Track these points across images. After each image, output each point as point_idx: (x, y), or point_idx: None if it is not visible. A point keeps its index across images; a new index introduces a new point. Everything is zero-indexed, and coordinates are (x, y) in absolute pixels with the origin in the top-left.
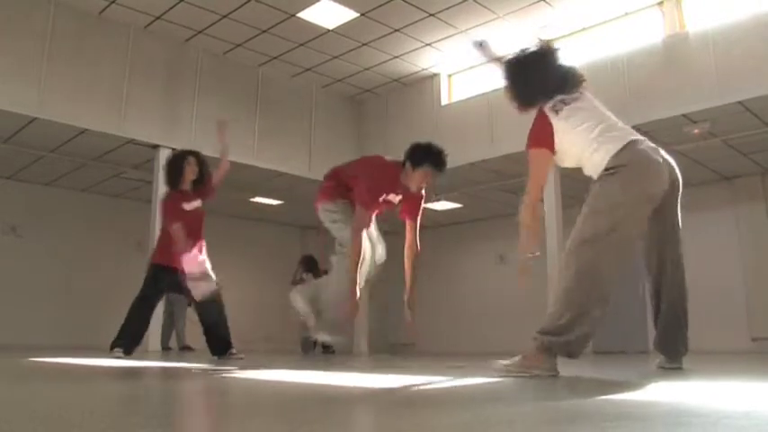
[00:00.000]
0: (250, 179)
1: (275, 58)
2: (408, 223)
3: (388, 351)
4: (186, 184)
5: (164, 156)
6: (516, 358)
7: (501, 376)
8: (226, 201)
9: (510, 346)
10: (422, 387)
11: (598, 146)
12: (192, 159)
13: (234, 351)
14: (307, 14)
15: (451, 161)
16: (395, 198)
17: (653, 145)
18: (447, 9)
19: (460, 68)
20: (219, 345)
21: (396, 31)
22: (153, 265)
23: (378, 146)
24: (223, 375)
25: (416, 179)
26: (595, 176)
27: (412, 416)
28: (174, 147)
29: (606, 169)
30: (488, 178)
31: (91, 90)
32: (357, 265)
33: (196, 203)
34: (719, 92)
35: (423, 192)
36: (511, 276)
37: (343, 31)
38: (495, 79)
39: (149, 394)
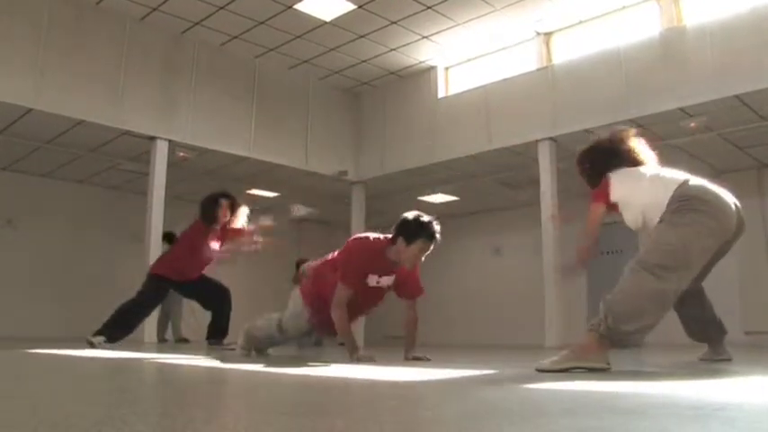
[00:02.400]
0: (246, 171)
1: (272, 49)
2: (408, 303)
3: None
4: (217, 224)
5: (160, 147)
6: (564, 352)
7: (549, 372)
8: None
9: (505, 338)
10: (413, 379)
11: (656, 189)
12: (225, 203)
13: (225, 342)
14: (304, 6)
15: (448, 154)
16: (388, 280)
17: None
18: (444, 2)
19: (457, 61)
20: (216, 332)
21: (393, 23)
22: (156, 276)
23: (374, 138)
24: (217, 367)
25: (411, 255)
26: (660, 211)
27: (411, 407)
28: (170, 138)
29: (680, 201)
30: (485, 171)
31: (87, 81)
32: (347, 332)
33: (215, 246)
34: (716, 86)
35: (416, 268)
36: (506, 269)
37: (340, 23)
38: (492, 72)
39: (145, 386)
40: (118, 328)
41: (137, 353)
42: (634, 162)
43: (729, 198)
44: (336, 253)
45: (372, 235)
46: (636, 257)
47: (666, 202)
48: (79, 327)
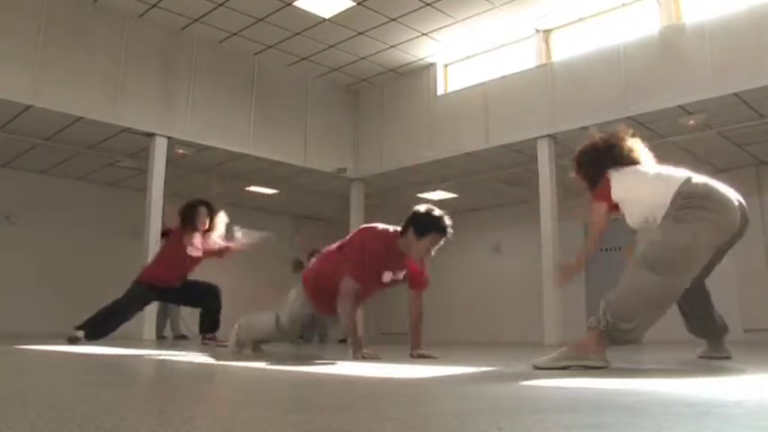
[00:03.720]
0: (245, 168)
1: (271, 46)
2: (414, 293)
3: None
4: (197, 232)
5: (159, 144)
6: (562, 349)
7: (547, 369)
8: (221, 190)
9: (505, 335)
10: (413, 376)
11: (659, 187)
12: (204, 211)
13: (217, 338)
14: (303, 3)
15: (447, 151)
16: (401, 274)
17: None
18: None
19: (457, 58)
20: (208, 326)
21: (392, 20)
22: (140, 283)
23: (373, 135)
24: (216, 364)
25: (421, 248)
26: (663, 209)
27: (410, 403)
28: (169, 135)
29: (684, 198)
30: (484, 168)
31: (86, 78)
32: (353, 329)
33: (197, 254)
34: (715, 83)
35: (425, 261)
36: (506, 266)
37: (339, 20)
38: (491, 69)
39: (143, 382)
40: (98, 329)
41: (135, 350)
42: (632, 161)
43: (733, 195)
44: (343, 241)
45: (382, 226)
46: (638, 254)
47: (670, 199)
48: (77, 323)
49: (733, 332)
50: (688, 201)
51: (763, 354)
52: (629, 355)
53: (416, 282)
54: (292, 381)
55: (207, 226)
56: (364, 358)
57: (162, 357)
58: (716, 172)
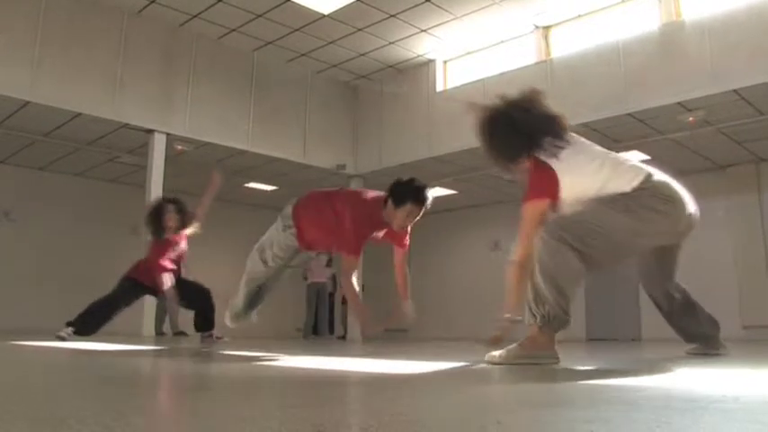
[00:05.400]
0: (244, 164)
1: (270, 43)
2: (396, 250)
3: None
4: (169, 232)
5: (158, 140)
6: (513, 347)
7: (499, 365)
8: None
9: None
10: (411, 371)
11: (614, 177)
12: (171, 208)
13: (215, 333)
14: None
15: (446, 148)
16: (378, 234)
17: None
18: None
19: (456, 55)
20: (204, 324)
21: (391, 16)
22: (128, 278)
23: (372, 132)
24: (216, 359)
25: (399, 218)
26: (612, 194)
27: (408, 397)
28: (168, 131)
29: (646, 192)
30: (483, 165)
31: (85, 74)
32: (359, 307)
33: (181, 247)
34: (714, 80)
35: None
36: (503, 261)
37: (338, 16)
38: (490, 66)
39: (142, 379)
40: (87, 324)
41: (135, 346)
42: (561, 130)
43: (690, 202)
44: (330, 194)
45: (367, 193)
46: (560, 221)
47: (629, 189)
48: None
49: (732, 329)
50: (645, 196)
51: (761, 350)
52: (624, 351)
53: (399, 240)
54: (291, 376)
55: (176, 222)
56: (373, 331)
57: (161, 353)
58: (715, 168)
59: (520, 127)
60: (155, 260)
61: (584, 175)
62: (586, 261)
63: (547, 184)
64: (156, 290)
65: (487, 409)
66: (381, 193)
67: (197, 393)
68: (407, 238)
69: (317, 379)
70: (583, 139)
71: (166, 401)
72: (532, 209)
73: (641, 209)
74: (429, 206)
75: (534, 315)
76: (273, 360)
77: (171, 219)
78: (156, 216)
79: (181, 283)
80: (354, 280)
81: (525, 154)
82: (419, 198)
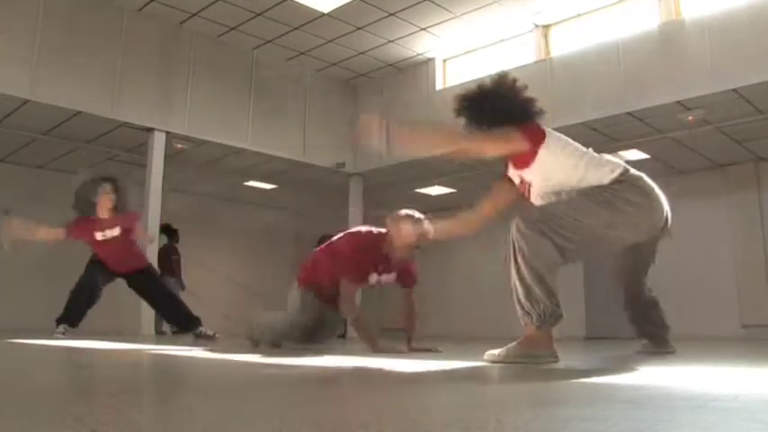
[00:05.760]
0: (244, 163)
1: (270, 41)
2: (404, 291)
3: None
4: (102, 213)
5: (158, 139)
6: (512, 345)
7: (499, 363)
8: (219, 185)
9: (502, 330)
10: (410, 370)
11: (593, 170)
12: (108, 187)
13: (206, 330)
14: None
15: None
16: (388, 278)
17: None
18: None
19: (456, 53)
20: (186, 322)
21: (391, 15)
22: (91, 260)
23: (372, 130)
24: (213, 358)
25: (400, 238)
26: (588, 186)
27: (408, 396)
28: (167, 130)
29: (613, 182)
30: (482, 163)
31: (84, 72)
32: (363, 327)
33: (113, 233)
34: (714, 79)
35: (413, 258)
36: (500, 261)
37: (338, 14)
38: (490, 64)
39: (141, 376)
40: (73, 313)
41: (134, 344)
42: (542, 114)
43: (663, 200)
44: (331, 245)
45: (366, 229)
46: (540, 214)
47: (607, 182)
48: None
49: (731, 327)
50: (622, 189)
51: (760, 349)
52: (623, 349)
53: (406, 280)
54: (292, 374)
55: (113, 203)
56: (382, 351)
57: (160, 352)
58: (714, 167)
59: (513, 99)
60: (85, 235)
61: (564, 166)
62: (563, 253)
63: (534, 136)
64: (118, 275)
65: (487, 407)
66: (377, 230)
67: (196, 391)
68: (414, 273)
69: (316, 377)
70: (559, 134)
71: (165, 400)
72: (512, 138)
73: (618, 201)
74: (426, 225)
75: (529, 314)
76: (273, 358)
77: (107, 199)
78: (86, 193)
79: (141, 277)
80: (353, 306)
81: (516, 120)
82: (414, 215)
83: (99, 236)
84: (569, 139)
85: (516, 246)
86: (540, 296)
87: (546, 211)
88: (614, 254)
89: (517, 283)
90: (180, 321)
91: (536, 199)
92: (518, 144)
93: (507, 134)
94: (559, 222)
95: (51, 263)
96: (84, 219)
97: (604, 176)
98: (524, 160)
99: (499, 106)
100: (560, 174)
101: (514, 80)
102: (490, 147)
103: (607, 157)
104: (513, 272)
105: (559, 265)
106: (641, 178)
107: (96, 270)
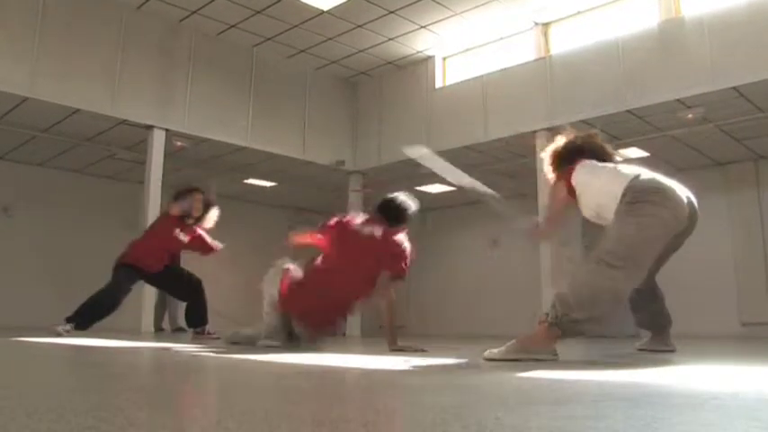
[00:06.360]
0: (243, 161)
1: (269, 39)
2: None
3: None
4: (189, 218)
5: (157, 136)
6: (512, 342)
7: (497, 361)
8: (219, 183)
9: (502, 328)
10: (409, 368)
11: (613, 175)
12: (199, 197)
13: (208, 329)
14: None
15: (445, 144)
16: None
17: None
18: None
19: (455, 51)
20: (197, 320)
21: (391, 12)
22: (123, 265)
23: (371, 128)
24: (213, 356)
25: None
26: (614, 203)
27: (407, 394)
28: (167, 128)
29: (635, 192)
30: (482, 161)
31: (83, 70)
32: (393, 319)
33: (185, 239)
34: (714, 77)
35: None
36: (503, 260)
37: (337, 12)
38: (489, 62)
39: (141, 374)
40: (87, 317)
41: (133, 342)
42: (603, 157)
43: (683, 192)
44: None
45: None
46: (596, 248)
47: (621, 192)
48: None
49: (730, 325)
50: (638, 195)
51: (759, 347)
52: (622, 348)
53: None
54: (292, 372)
55: (200, 212)
56: (403, 351)
57: (160, 349)
58: (714, 165)
59: (577, 152)
60: (163, 240)
61: (594, 178)
62: (632, 276)
63: (567, 175)
64: (149, 275)
65: (486, 405)
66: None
67: (196, 389)
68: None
69: (317, 375)
70: (585, 163)
71: (165, 396)
72: (556, 185)
73: (640, 208)
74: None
75: (549, 311)
76: (273, 356)
77: (197, 207)
78: (186, 197)
79: (170, 271)
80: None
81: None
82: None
83: (177, 233)
84: (594, 165)
85: (588, 278)
86: (578, 307)
87: (608, 243)
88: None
89: (572, 282)
90: (200, 316)
91: (583, 210)
92: (560, 190)
93: (554, 184)
94: (620, 247)
95: (54, 261)
96: (176, 219)
97: (619, 190)
98: (573, 195)
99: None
100: (588, 198)
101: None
102: (554, 196)
103: (619, 170)
104: (573, 280)
105: (623, 296)
106: (653, 179)
107: (128, 280)
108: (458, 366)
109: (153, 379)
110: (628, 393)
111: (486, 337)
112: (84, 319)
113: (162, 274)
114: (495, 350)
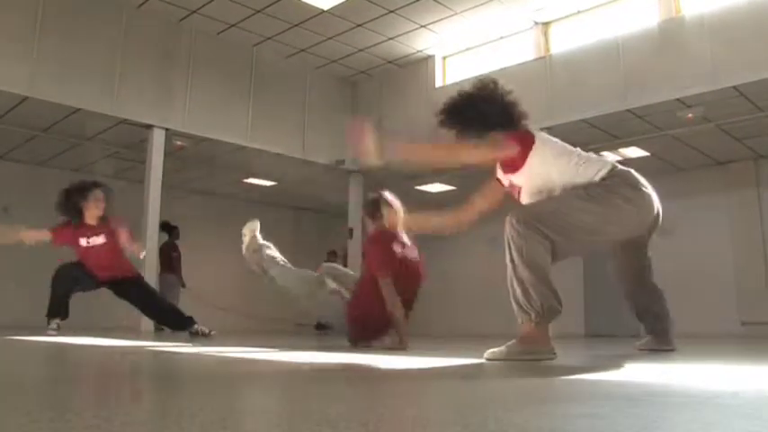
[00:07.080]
0: (243, 160)
1: (269, 38)
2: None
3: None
4: (90, 219)
5: (157, 136)
6: (511, 343)
7: (498, 361)
8: (219, 182)
9: (500, 328)
10: (410, 367)
11: (582, 169)
12: (99, 194)
13: (201, 328)
14: None
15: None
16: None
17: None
18: None
19: (455, 51)
20: (180, 322)
21: (391, 12)
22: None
23: (372, 128)
24: (213, 355)
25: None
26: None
27: (408, 394)
28: (167, 127)
29: (604, 179)
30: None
31: (84, 69)
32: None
33: (98, 240)
34: (714, 76)
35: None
36: (502, 259)
37: (337, 11)
38: (489, 62)
39: (140, 373)
40: (55, 303)
41: (133, 341)
42: (520, 120)
43: (653, 195)
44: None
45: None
46: (534, 212)
47: (597, 178)
48: (75, 314)
49: (730, 324)
50: (613, 185)
51: (759, 346)
52: (622, 347)
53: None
54: (292, 370)
55: (102, 211)
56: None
57: (160, 348)
58: (714, 164)
59: (494, 103)
60: (70, 242)
61: (554, 169)
62: (556, 249)
63: (523, 144)
64: (102, 282)
65: (486, 404)
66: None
67: (197, 387)
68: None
69: (317, 373)
70: (549, 137)
71: (166, 395)
72: (500, 147)
73: (610, 196)
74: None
75: (527, 312)
76: (275, 354)
77: (96, 206)
78: (74, 197)
79: (125, 284)
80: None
81: (500, 125)
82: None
83: (84, 242)
84: (558, 141)
85: (512, 244)
86: (539, 292)
87: (539, 208)
88: (610, 251)
89: (514, 281)
90: (172, 322)
91: (525, 200)
92: (507, 151)
93: (495, 142)
94: (553, 219)
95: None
96: (69, 224)
97: (594, 174)
98: (514, 165)
99: (481, 111)
100: (550, 177)
101: (495, 84)
102: (479, 155)
103: (594, 156)
104: (510, 270)
105: (549, 264)
106: (631, 173)
107: (75, 264)
108: (459, 366)
109: (153, 378)
110: (628, 392)
111: (486, 337)
112: (55, 306)
113: (118, 286)
114: (496, 350)
